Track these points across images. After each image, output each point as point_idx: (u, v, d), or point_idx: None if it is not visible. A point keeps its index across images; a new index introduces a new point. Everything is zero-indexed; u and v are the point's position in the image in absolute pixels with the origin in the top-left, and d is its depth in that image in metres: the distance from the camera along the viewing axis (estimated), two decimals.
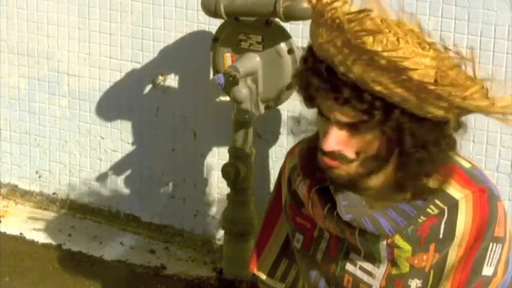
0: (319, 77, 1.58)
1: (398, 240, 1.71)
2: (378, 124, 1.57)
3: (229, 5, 2.86)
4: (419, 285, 1.74)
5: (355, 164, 1.64)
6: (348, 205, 1.72)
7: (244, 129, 2.98)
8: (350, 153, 1.63)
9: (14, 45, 3.71)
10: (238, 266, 3.08)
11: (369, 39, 1.53)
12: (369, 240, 1.72)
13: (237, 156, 3.01)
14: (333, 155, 1.63)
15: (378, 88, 1.52)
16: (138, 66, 3.48)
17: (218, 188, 3.42)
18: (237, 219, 3.09)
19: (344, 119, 1.59)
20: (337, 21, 1.53)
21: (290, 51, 2.86)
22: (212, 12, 2.90)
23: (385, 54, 1.49)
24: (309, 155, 1.80)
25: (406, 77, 1.50)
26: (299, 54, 2.86)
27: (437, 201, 1.68)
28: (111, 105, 3.59)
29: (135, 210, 3.64)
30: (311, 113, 1.74)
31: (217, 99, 3.34)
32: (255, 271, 1.99)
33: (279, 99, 2.94)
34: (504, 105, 1.55)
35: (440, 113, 1.56)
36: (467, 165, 1.74)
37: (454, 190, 1.69)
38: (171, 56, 3.40)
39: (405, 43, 1.58)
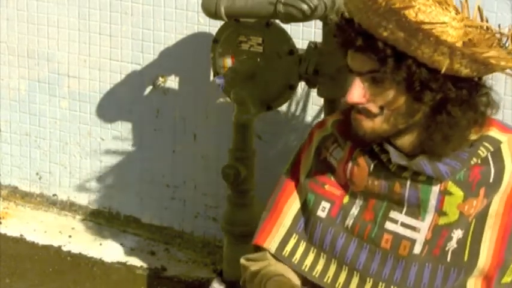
0: (340, 30, 1.75)
1: (451, 186, 1.77)
2: (391, 73, 1.67)
3: (230, 7, 2.85)
4: (460, 236, 1.78)
5: (379, 119, 1.73)
6: (399, 156, 1.78)
7: (244, 130, 2.97)
8: (373, 108, 1.73)
9: (14, 47, 3.71)
10: (239, 268, 3.07)
11: None
12: (420, 189, 1.77)
13: (238, 157, 3.00)
14: (358, 109, 1.75)
15: (385, 34, 1.64)
16: (138, 67, 3.48)
17: (218, 189, 3.42)
18: (237, 221, 3.08)
19: (361, 67, 1.71)
20: None
21: (290, 52, 2.86)
22: (212, 13, 2.89)
23: None
24: (344, 124, 1.88)
25: (402, 18, 1.60)
26: (299, 55, 2.86)
27: (485, 143, 1.76)
28: (111, 107, 3.59)
29: (136, 212, 3.64)
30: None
31: (218, 101, 3.34)
32: (265, 245, 1.97)
33: (279, 100, 2.94)
34: None
35: (444, 61, 1.62)
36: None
37: (497, 134, 1.78)
38: (172, 58, 3.40)
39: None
